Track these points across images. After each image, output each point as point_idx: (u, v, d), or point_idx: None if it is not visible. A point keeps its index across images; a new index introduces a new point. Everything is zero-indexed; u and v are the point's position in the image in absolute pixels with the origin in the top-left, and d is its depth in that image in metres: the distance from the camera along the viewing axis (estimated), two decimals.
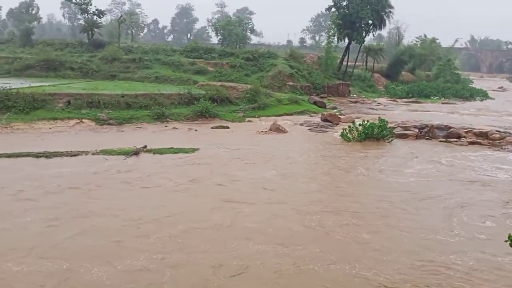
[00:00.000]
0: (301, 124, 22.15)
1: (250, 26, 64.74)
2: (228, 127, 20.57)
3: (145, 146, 15.00)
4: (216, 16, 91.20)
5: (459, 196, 11.10)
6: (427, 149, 16.89)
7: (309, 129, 20.89)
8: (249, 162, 14.07)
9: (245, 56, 37.26)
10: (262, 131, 19.56)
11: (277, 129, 19.78)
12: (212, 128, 20.30)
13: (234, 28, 55.96)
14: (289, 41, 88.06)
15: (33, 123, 18.57)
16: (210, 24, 79.98)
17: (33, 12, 72.03)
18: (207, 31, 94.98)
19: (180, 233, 8.31)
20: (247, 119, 23.21)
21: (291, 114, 25.30)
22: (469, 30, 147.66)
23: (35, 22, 68.92)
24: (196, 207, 9.81)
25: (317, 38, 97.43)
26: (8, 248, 7.46)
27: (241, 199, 10.41)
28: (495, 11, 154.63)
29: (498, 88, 54.36)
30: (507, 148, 17.34)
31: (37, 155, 13.55)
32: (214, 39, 66.79)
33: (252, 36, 64.13)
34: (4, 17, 79.84)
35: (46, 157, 13.49)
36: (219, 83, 28.22)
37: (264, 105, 25.72)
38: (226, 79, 31.83)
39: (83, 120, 19.61)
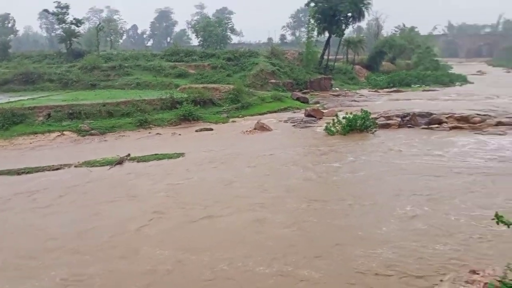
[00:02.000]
0: (285, 121, 22.16)
1: (230, 26, 64.72)
2: (212, 129, 20.48)
3: (129, 155, 14.82)
4: (195, 18, 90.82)
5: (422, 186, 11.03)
6: (409, 137, 16.97)
7: (293, 126, 20.90)
8: (233, 162, 13.99)
9: (226, 57, 37.14)
10: (246, 131, 19.50)
11: (262, 127, 19.74)
12: (196, 131, 20.19)
13: (214, 29, 55.83)
14: (269, 39, 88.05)
15: (13, 139, 18.25)
16: (190, 26, 79.67)
17: (9, 25, 70.99)
18: (187, 34, 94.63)
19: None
20: (231, 119, 23.14)
21: (275, 112, 25.31)
22: (446, 16, 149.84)
23: (12, 35, 67.87)
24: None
25: (297, 34, 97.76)
26: None
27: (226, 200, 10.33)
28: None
29: (477, 72, 55.13)
30: (488, 131, 17.56)
31: (18, 172, 13.29)
32: (195, 41, 66.65)
33: (232, 36, 64.15)
34: None
35: (27, 173, 13.25)
36: (201, 85, 28.11)
37: (248, 105, 25.68)
38: (208, 81, 31.69)
39: (64, 132, 19.32)
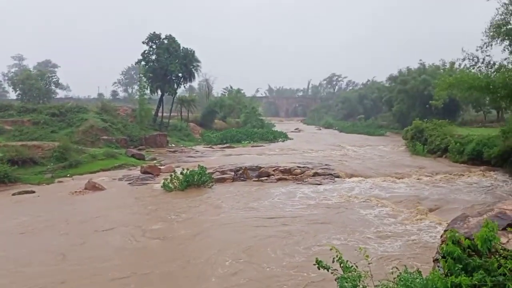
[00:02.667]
0: (120, 179, 21.19)
1: (55, 79, 60.12)
2: (33, 192, 18.21)
3: None
4: (13, 70, 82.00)
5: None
6: (240, 190, 17.96)
7: (129, 183, 20.10)
8: (42, 231, 12.53)
9: (50, 112, 34.13)
10: (76, 191, 17.94)
11: (93, 187, 18.43)
12: (13, 194, 17.66)
13: (35, 82, 51.01)
14: (100, 94, 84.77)
15: None
16: (6, 78, 71.37)
17: None
18: (2, 86, 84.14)
19: None
20: (57, 180, 21.04)
21: (109, 170, 24.05)
22: (267, 81, 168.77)
23: None
24: None
25: (130, 90, 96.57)
26: None
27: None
28: (289, 67, 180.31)
29: (295, 129, 62.62)
30: (307, 181, 19.90)
31: None
32: (12, 95, 59.72)
33: (58, 90, 59.45)
34: None
35: None
36: (20, 143, 25.04)
37: (77, 163, 23.82)
38: (29, 138, 28.48)
39: None
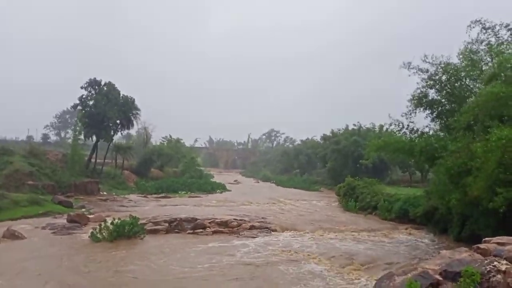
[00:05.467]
0: (43, 228, 19.71)
1: None
2: None
3: None
4: None
5: None
6: (170, 244, 17.30)
7: (53, 233, 18.73)
8: None
9: None
10: None
11: (12, 235, 16.98)
12: None
13: None
14: (29, 137, 79.99)
15: None
16: None
17: None
18: None
19: None
20: None
21: (32, 217, 22.36)
22: (207, 131, 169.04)
23: None
24: None
25: (63, 134, 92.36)
26: None
27: None
28: (229, 117, 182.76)
29: (234, 181, 62.78)
30: (243, 234, 19.75)
31: None
32: None
33: None
34: None
35: None
36: None
37: None
38: None
39: None
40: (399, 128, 21.29)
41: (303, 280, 12.58)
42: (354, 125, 54.82)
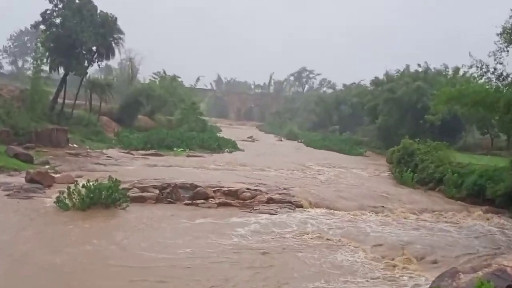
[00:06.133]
0: None
1: None
2: None
3: None
4: None
5: None
6: (162, 217, 17.77)
7: (7, 195, 19.36)
8: None
9: None
10: None
11: None
12: None
13: None
14: None
15: None
16: None
17: None
18: None
19: None
20: None
21: None
22: (215, 68, 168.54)
23: None
24: None
25: (20, 63, 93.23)
26: None
27: None
28: (247, 59, 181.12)
29: (248, 138, 63.09)
30: (258, 209, 20.10)
31: None
32: None
33: None
34: None
35: None
36: None
37: None
38: None
39: None
40: (481, 72, 20.85)
41: (330, 275, 12.84)
42: (419, 65, 53.82)
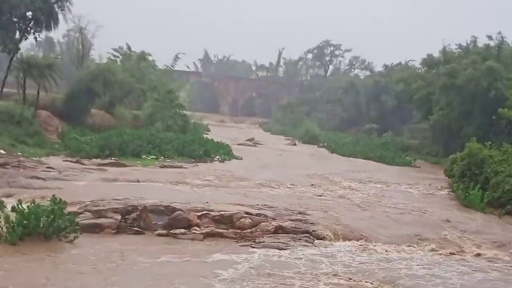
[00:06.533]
0: None
1: None
2: None
3: None
4: None
5: None
6: (127, 255, 17.54)
7: None
8: None
9: None
10: None
11: None
12: None
13: None
14: None
15: None
16: None
17: None
18: None
19: None
20: None
21: None
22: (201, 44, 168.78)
23: None
24: None
25: None
26: None
27: None
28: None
29: (248, 140, 62.95)
30: (262, 241, 19.94)
31: None
32: None
33: None
34: None
35: None
36: None
37: None
38: None
39: None
40: None
41: None
42: (489, 37, 53.62)
